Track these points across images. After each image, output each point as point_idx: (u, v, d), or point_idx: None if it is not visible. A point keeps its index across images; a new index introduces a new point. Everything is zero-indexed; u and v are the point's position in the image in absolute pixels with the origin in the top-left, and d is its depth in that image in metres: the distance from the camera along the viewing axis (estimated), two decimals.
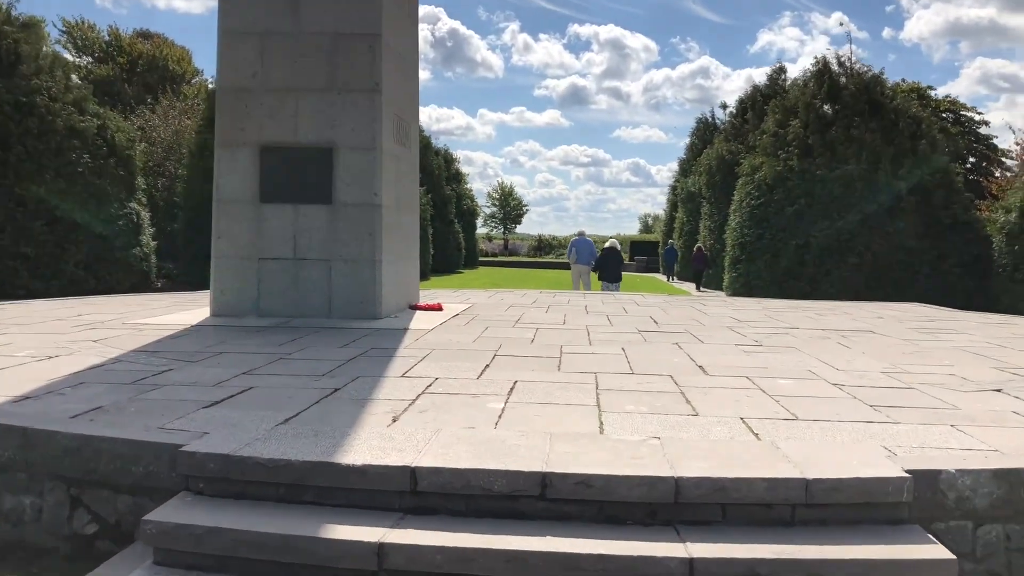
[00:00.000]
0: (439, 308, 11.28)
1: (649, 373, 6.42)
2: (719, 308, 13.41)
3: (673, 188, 47.23)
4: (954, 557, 3.41)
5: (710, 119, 46.85)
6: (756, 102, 33.58)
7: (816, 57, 27.51)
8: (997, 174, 37.06)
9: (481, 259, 57.26)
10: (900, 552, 3.43)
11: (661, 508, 3.66)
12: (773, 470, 3.75)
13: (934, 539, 3.59)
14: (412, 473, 3.72)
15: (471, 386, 5.70)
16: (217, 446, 4.03)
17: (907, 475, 3.72)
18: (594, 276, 22.73)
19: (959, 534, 3.83)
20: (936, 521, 3.81)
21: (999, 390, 5.98)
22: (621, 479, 3.65)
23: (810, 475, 3.67)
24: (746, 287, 25.23)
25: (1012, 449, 4.26)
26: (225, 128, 9.88)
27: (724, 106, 50.41)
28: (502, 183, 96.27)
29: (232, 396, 5.27)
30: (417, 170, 12.01)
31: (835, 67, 26.21)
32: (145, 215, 25.32)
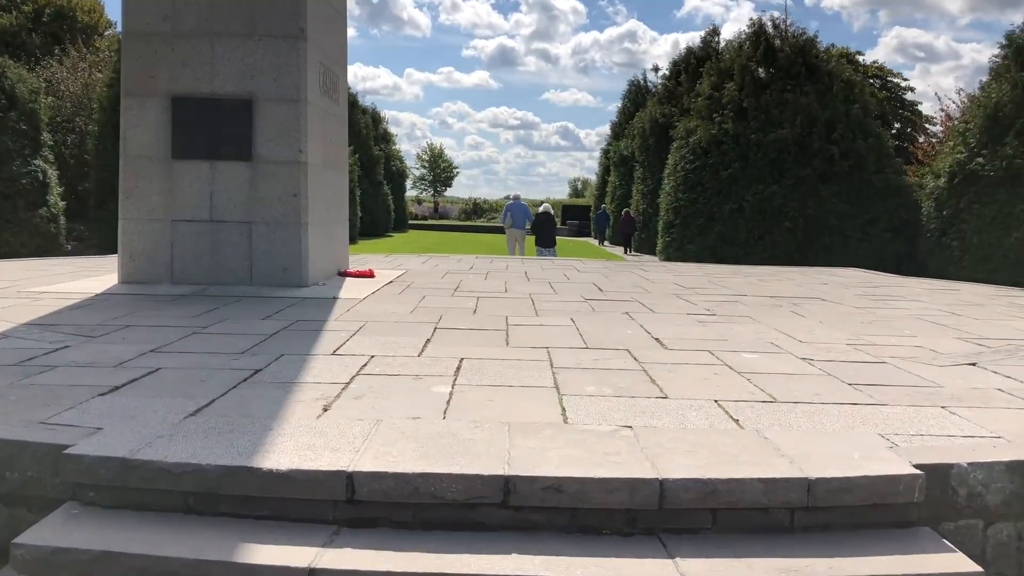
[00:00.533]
0: (371, 275, 10.58)
1: (605, 347, 5.90)
2: (661, 274, 13.01)
3: (605, 152, 46.90)
4: (980, 569, 2.97)
5: (642, 82, 46.57)
6: (690, 65, 33.28)
7: (752, 19, 27.30)
8: (921, 139, 37.69)
9: (411, 222, 56.20)
10: (919, 564, 2.97)
11: (643, 515, 3.13)
12: (769, 468, 3.25)
13: (951, 545, 3.15)
14: (349, 479, 3.11)
15: (412, 365, 5.09)
16: (111, 447, 3.34)
17: (918, 472, 3.27)
18: (529, 241, 22.23)
19: (968, 535, 3.41)
20: (944, 521, 3.38)
21: (973, 364, 5.63)
22: (597, 482, 3.11)
23: (812, 474, 3.19)
24: (680, 252, 25.04)
25: (1015, 435, 3.86)
26: (133, 76, 8.94)
27: (656, 69, 50.31)
28: (431, 144, 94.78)
29: (135, 380, 4.56)
30: (346, 126, 11.21)
31: (770, 29, 25.98)
32: (52, 173, 23.76)
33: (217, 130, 8.92)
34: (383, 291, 9.18)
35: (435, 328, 6.59)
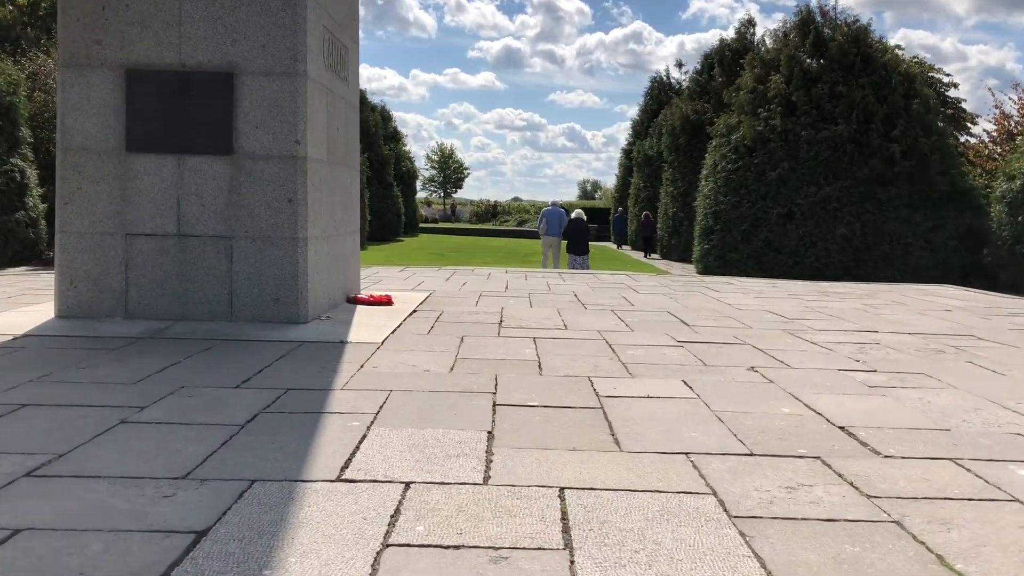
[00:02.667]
0: (389, 302, 8.32)
1: (778, 451, 3.63)
2: (737, 296, 10.71)
3: (627, 152, 44.56)
4: None
5: (665, 79, 44.21)
6: (724, 57, 30.95)
7: (799, 6, 24.90)
8: (963, 139, 35.31)
9: (421, 225, 53.92)
10: None
11: None
12: None
13: None
14: None
15: (480, 511, 2.83)
16: None
17: None
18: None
19: None
20: None
21: None
22: None
23: None
24: (720, 261, 22.75)
25: None
26: (72, 42, 6.71)
27: (680, 64, 47.97)
28: (441, 145, 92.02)
29: None
30: (357, 111, 8.97)
31: (818, 17, 23.69)
32: (32, 173, 21.55)
33: (186, 114, 6.69)
34: (407, 328, 6.93)
35: (493, 405, 4.33)
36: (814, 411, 4.39)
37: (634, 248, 38.92)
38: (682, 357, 5.91)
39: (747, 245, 22.16)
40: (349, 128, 8.47)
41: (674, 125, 31.41)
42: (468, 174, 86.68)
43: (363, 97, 39.54)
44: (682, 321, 7.88)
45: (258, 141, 6.70)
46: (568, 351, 6.02)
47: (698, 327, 7.49)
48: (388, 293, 8.82)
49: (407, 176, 47.81)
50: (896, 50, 26.37)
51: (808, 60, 22.79)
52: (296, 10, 6.66)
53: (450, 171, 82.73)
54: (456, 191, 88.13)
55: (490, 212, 70.09)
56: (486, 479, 3.16)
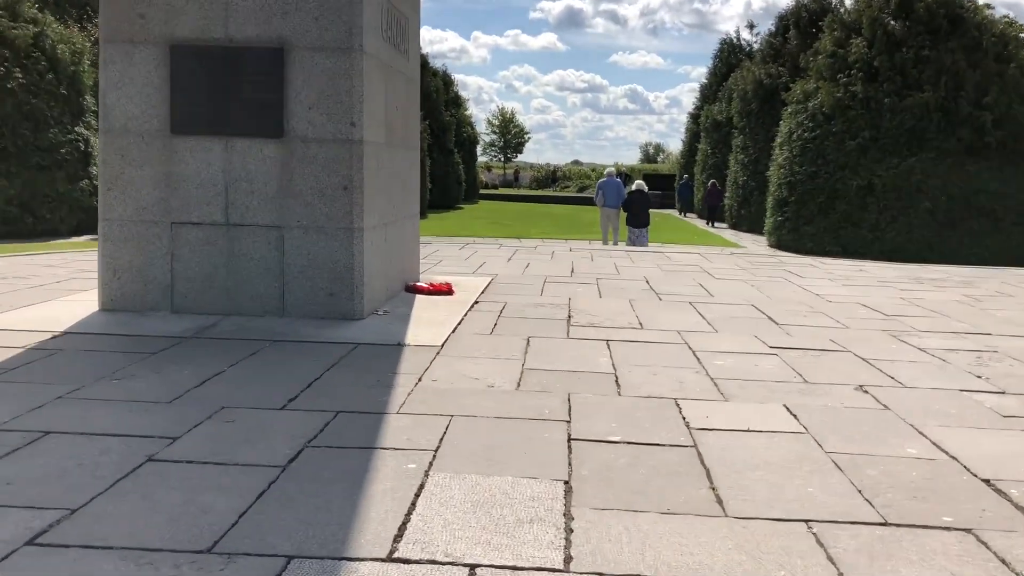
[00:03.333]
0: (449, 291, 7.80)
1: (920, 523, 2.99)
2: (825, 284, 9.91)
3: (695, 116, 43.21)
4: None
5: (736, 40, 42.59)
6: (801, 19, 29.48)
7: None
8: None
9: (482, 192, 53.30)
10: None
11: None
12: None
13: None
14: None
15: None
16: None
17: None
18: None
19: None
20: None
21: None
22: None
23: None
24: (794, 234, 21.75)
25: None
26: (115, 15, 6.25)
27: (751, 26, 46.24)
28: (502, 109, 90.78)
29: None
30: (418, 86, 8.40)
31: None
32: (96, 142, 21.51)
33: (234, 93, 6.19)
34: (468, 326, 6.39)
35: (569, 439, 3.77)
36: (947, 454, 3.73)
37: (700, 216, 37.87)
38: (778, 370, 5.26)
39: (823, 218, 21.12)
40: (409, 106, 7.91)
41: (745, 90, 30.15)
42: (529, 139, 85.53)
43: (424, 62, 38.94)
44: (769, 318, 7.20)
45: (311, 123, 6.18)
46: (647, 360, 5.42)
47: (789, 326, 6.81)
48: (448, 280, 8.29)
49: (468, 142, 47.16)
50: (986, 9, 24.73)
51: (892, 22, 21.42)
52: None
53: (511, 136, 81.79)
54: (517, 156, 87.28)
55: (550, 178, 69.11)
56: (567, 560, 2.61)
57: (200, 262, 6.31)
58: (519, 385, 4.70)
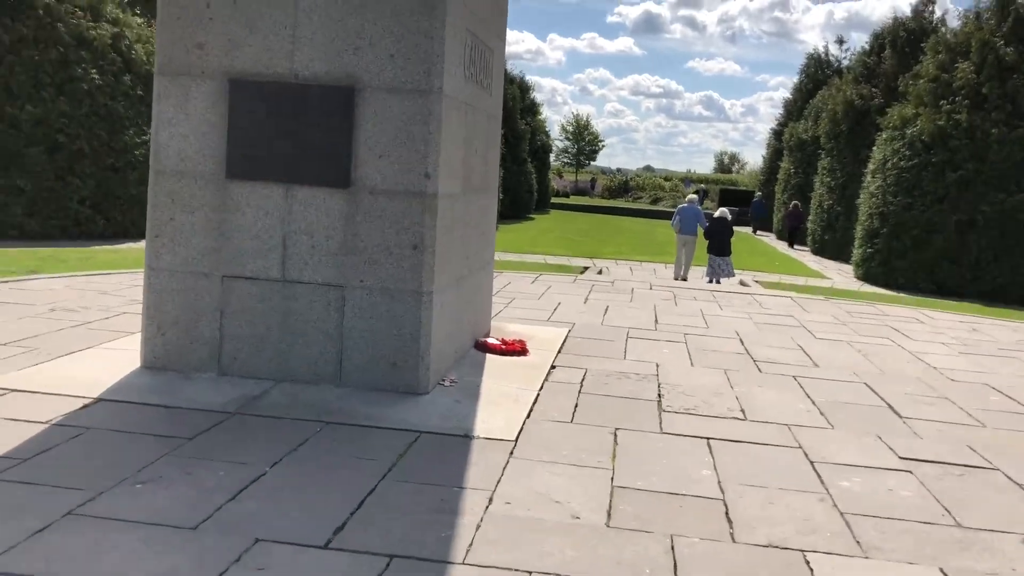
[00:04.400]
0: (523, 350, 7.05)
1: None
2: (938, 349, 8.87)
3: (777, 133, 41.73)
4: None
5: (823, 56, 41.01)
6: (898, 38, 27.97)
7: None
8: None
9: (553, 200, 52.43)
10: None
11: None
12: None
13: None
14: None
15: None
16: None
17: None
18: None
19: None
20: None
21: None
22: None
23: None
24: (884, 268, 20.50)
25: None
26: (170, 44, 5.65)
27: (840, 41, 44.42)
28: (577, 115, 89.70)
29: None
30: (499, 124, 7.67)
31: None
32: None
33: (297, 135, 5.54)
34: (546, 403, 5.62)
35: None
36: None
37: (779, 237, 36.48)
38: (919, 501, 4.37)
39: (917, 253, 19.84)
40: (489, 147, 7.19)
41: (835, 110, 28.77)
42: (603, 146, 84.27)
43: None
44: (888, 405, 6.27)
45: (380, 173, 5.50)
46: (758, 474, 4.58)
47: (913, 420, 5.88)
48: (521, 334, 7.55)
49: (541, 150, 46.39)
50: None
51: (1005, 47, 19.98)
52: (434, 11, 5.37)
53: (584, 142, 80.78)
54: (590, 163, 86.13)
55: (622, 188, 67.91)
56: None
57: (252, 321, 5.67)
58: (610, 516, 3.91)
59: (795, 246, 32.46)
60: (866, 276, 21.17)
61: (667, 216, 49.43)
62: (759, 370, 7.24)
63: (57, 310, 7.66)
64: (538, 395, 5.88)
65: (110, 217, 19.08)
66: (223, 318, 5.70)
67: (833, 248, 27.85)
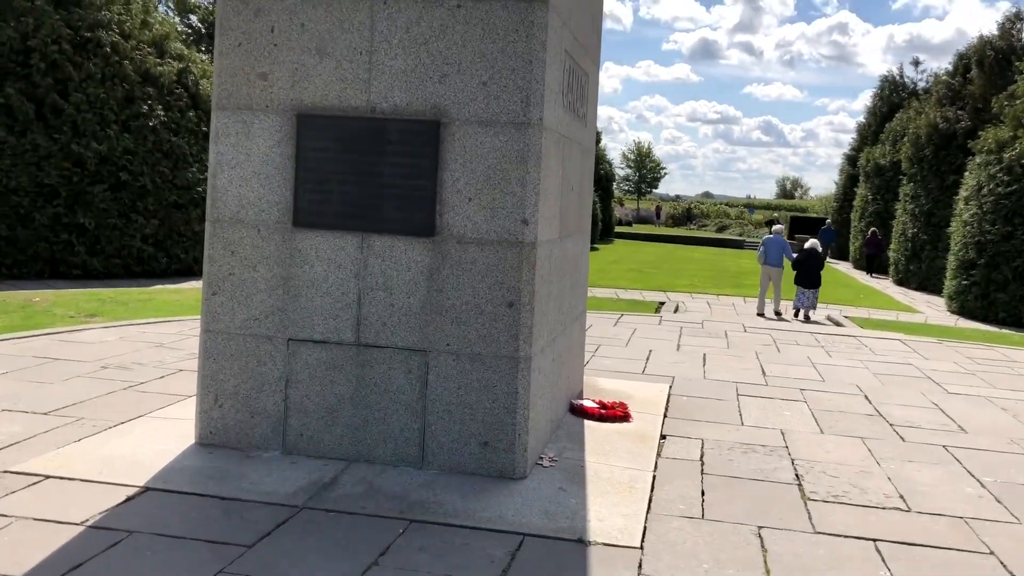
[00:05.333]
0: (624, 415, 6.16)
1: None
2: None
3: (851, 158, 40.21)
4: None
5: (899, 78, 39.49)
6: (985, 57, 26.53)
7: None
8: None
9: (616, 230, 51.38)
10: None
11: None
12: None
13: None
14: None
15: None
16: None
17: None
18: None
19: None
20: None
21: None
22: None
23: None
24: (982, 300, 19.09)
25: None
26: (230, 75, 4.95)
27: (916, 63, 42.79)
28: (638, 143, 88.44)
29: None
30: (594, 158, 6.86)
31: None
32: None
33: (375, 177, 4.78)
34: (667, 491, 4.72)
35: None
36: None
37: (856, 266, 34.93)
38: None
39: (1019, 285, 18.40)
40: (584, 183, 6.36)
41: (918, 133, 27.35)
42: (665, 173, 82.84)
43: None
44: None
45: (470, 219, 4.70)
46: None
47: None
48: (619, 397, 6.65)
49: (604, 179, 45.48)
50: None
51: None
52: (533, 30, 4.58)
53: (646, 170, 79.55)
54: (652, 190, 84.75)
55: (685, 216, 66.50)
56: None
57: (321, 391, 4.90)
58: None
59: (874, 275, 31.03)
60: (961, 310, 19.78)
61: (734, 245, 47.99)
62: (900, 438, 6.22)
63: (109, 367, 7.02)
64: (654, 477, 4.98)
65: (173, 255, 18.77)
66: (288, 388, 4.93)
67: (918, 278, 26.36)
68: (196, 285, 17.13)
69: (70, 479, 4.44)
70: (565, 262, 5.68)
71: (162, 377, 6.79)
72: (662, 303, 16.97)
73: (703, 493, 4.79)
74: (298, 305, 4.90)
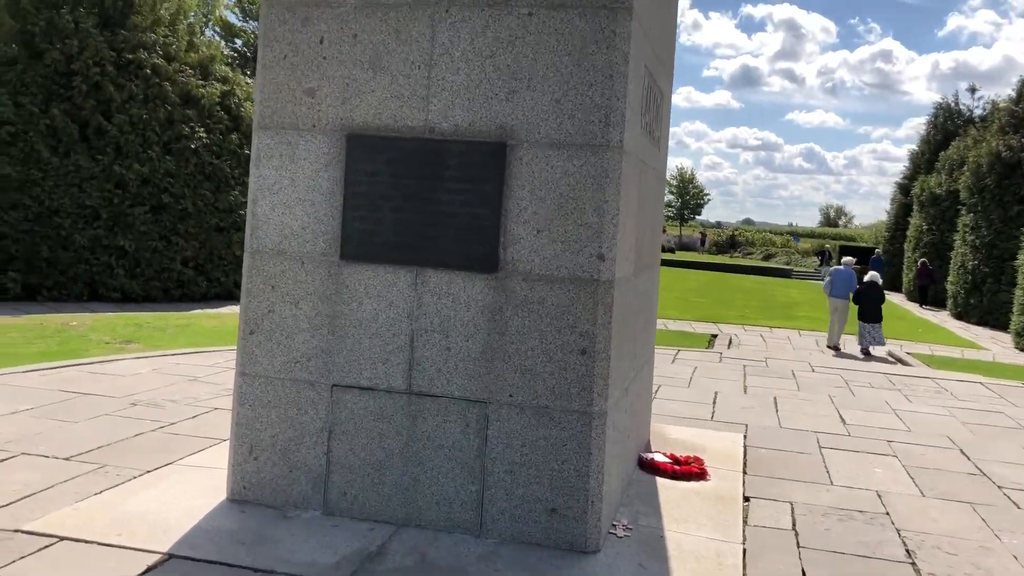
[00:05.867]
0: (700, 472, 5.52)
1: None
2: None
3: (904, 187, 39.12)
4: None
5: (954, 105, 38.39)
6: None
7: None
8: None
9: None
10: None
11: None
12: None
13: None
14: None
15: None
16: None
17: None
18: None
19: None
20: None
21: None
22: None
23: None
24: None
25: None
26: (274, 87, 4.47)
27: (973, 89, 41.67)
28: (681, 170, 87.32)
29: None
30: (664, 188, 6.28)
31: None
32: None
33: (432, 205, 4.25)
34: (762, 573, 4.09)
35: None
36: None
37: (909, 298, 33.77)
38: None
39: None
40: (656, 213, 5.79)
41: (979, 163, 26.34)
42: (708, 199, 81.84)
43: None
44: None
45: (538, 253, 4.14)
46: None
47: None
48: (692, 451, 6.02)
49: None
50: None
51: None
52: (615, 42, 4.03)
53: (689, 196, 78.61)
54: (695, 217, 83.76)
55: (729, 243, 65.40)
56: None
57: (368, 445, 4.35)
58: None
59: (925, 306, 30.00)
60: None
61: (781, 274, 46.91)
62: (1014, 504, 5.51)
63: (138, 404, 6.55)
64: (744, 551, 4.35)
65: (213, 278, 18.52)
66: (331, 440, 4.39)
67: (979, 312, 25.26)
68: (235, 309, 16.78)
69: (86, 542, 3.93)
70: (639, 301, 5.10)
71: (194, 417, 6.30)
72: (714, 335, 16.28)
73: (804, 573, 4.15)
74: (344, 347, 4.37)
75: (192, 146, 17.68)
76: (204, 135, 18.00)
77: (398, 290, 4.31)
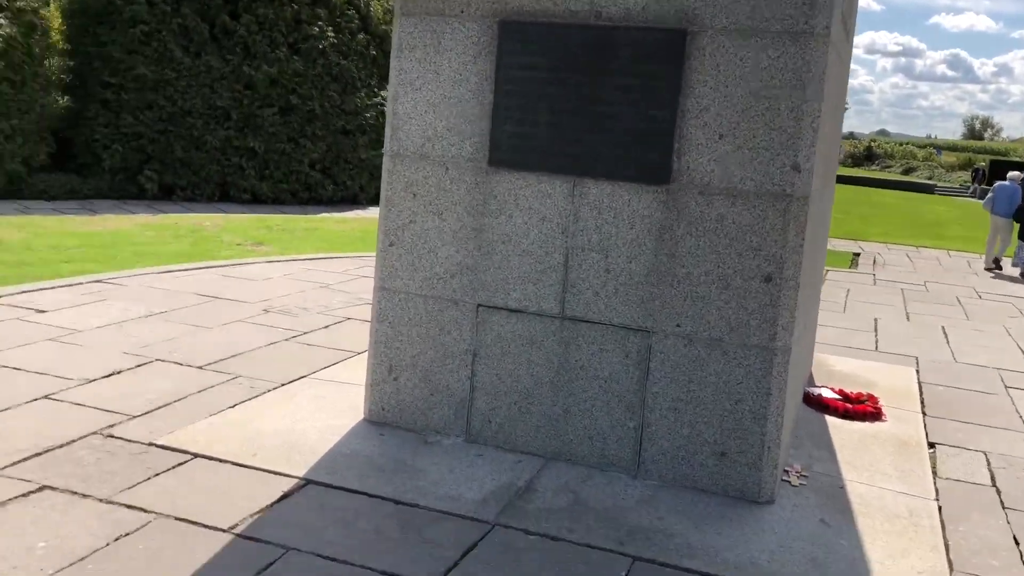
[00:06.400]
0: (875, 412, 4.93)
1: None
2: None
3: None
4: None
5: None
6: None
7: None
8: None
9: None
10: None
11: None
12: None
13: None
14: None
15: None
16: None
17: None
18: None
19: None
20: None
21: None
22: None
23: None
24: None
25: None
26: None
27: None
28: None
29: None
30: (848, 81, 5.51)
31: None
32: None
33: (595, 105, 3.70)
34: (966, 542, 3.54)
35: None
36: None
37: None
38: None
39: None
40: (838, 114, 5.07)
41: None
42: (847, 108, 77.23)
43: None
44: None
45: (719, 162, 3.56)
46: None
47: None
48: (862, 386, 5.41)
49: None
50: None
51: None
52: None
53: None
54: None
55: (865, 155, 61.81)
56: None
57: (515, 371, 3.96)
58: None
59: None
60: None
61: (923, 189, 44.05)
62: None
63: (271, 311, 6.38)
64: (939, 508, 3.79)
65: (339, 182, 18.52)
66: (476, 364, 4.02)
67: None
68: (361, 214, 16.74)
69: (220, 460, 3.72)
70: (822, 219, 4.47)
71: (327, 327, 6.09)
72: (856, 254, 15.23)
73: (1017, 543, 3.57)
74: (491, 264, 3.94)
75: (320, 46, 17.45)
76: (332, 35, 17.72)
77: (552, 202, 3.83)
